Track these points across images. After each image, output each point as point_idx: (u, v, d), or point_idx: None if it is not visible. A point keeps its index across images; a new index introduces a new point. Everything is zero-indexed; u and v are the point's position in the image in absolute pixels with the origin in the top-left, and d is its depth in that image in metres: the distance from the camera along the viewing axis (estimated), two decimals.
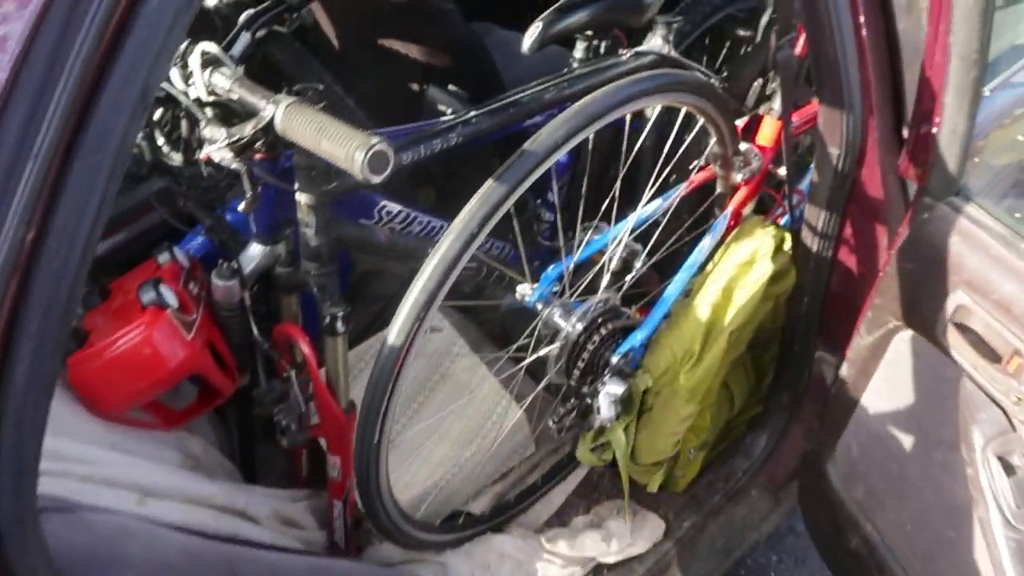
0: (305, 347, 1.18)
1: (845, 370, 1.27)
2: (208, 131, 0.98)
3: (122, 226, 1.46)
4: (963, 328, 1.03)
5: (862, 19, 1.02)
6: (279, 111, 0.91)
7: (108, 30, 0.55)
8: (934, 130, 1.03)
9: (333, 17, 1.87)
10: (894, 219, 1.21)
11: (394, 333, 1.04)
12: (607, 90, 1.09)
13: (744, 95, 1.78)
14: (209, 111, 1.03)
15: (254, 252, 1.21)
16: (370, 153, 0.80)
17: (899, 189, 1.20)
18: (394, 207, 1.37)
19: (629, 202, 1.36)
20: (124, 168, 0.59)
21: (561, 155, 1.07)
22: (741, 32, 1.87)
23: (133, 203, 1.45)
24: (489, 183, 1.04)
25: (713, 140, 1.27)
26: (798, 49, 1.25)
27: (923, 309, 1.09)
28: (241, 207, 1.04)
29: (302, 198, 1.10)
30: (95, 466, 1.08)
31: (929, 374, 1.12)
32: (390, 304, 1.84)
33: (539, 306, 1.27)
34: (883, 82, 1.12)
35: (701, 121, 1.24)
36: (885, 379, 1.20)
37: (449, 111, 1.71)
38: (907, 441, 1.18)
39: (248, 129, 0.94)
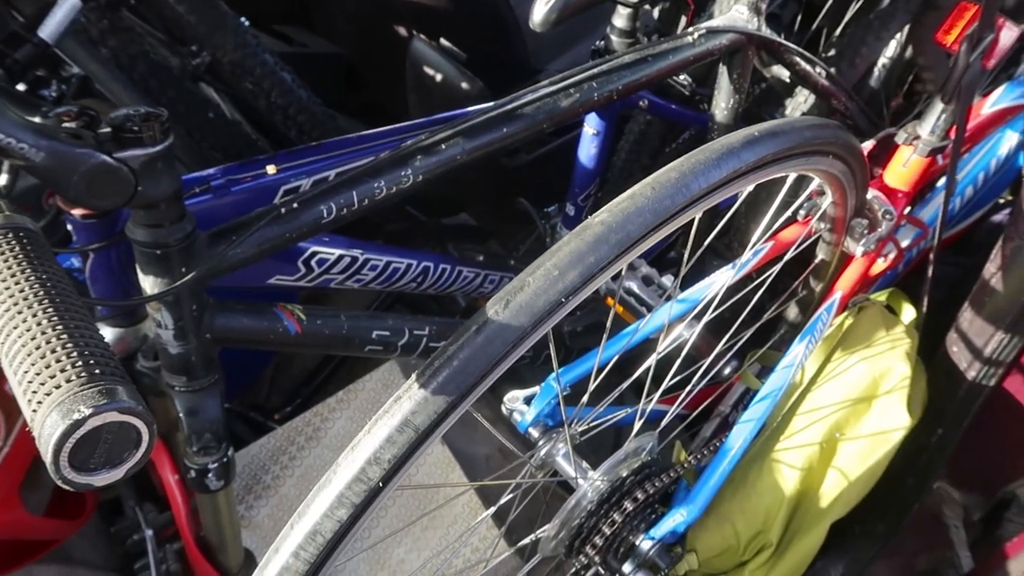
0: (176, 493, 0.77)
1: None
2: None
3: None
4: None
5: None
6: None
7: None
8: None
9: None
10: None
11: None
12: (670, 177, 0.57)
13: (860, 82, 1.27)
14: None
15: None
16: (74, 436, 0.33)
17: None
18: (331, 252, 0.93)
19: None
20: None
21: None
22: None
23: None
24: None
25: (828, 199, 0.79)
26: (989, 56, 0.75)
27: None
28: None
29: (147, 284, 0.67)
30: None
31: None
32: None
33: (534, 433, 0.83)
34: None
35: (816, 181, 0.74)
36: None
37: (436, 76, 1.25)
38: None
39: None
